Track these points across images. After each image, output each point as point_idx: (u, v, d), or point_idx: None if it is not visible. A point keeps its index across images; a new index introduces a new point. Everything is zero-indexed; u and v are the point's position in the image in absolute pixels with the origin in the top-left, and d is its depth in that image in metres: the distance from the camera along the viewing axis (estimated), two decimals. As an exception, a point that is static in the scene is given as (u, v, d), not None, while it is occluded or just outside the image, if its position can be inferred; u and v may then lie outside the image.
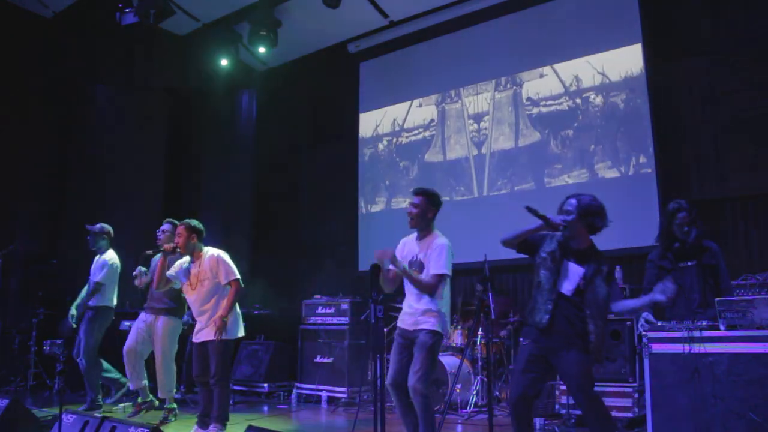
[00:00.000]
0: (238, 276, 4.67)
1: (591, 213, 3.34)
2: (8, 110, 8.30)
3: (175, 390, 5.62)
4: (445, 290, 3.92)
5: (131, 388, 5.66)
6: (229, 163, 9.58)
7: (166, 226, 5.65)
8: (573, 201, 3.39)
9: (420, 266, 3.90)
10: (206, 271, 4.64)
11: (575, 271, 3.36)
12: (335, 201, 8.94)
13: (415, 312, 3.89)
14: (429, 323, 3.82)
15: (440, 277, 3.82)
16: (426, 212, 3.94)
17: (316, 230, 9.05)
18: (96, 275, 5.95)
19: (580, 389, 3.29)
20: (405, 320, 3.96)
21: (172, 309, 5.51)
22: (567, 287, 3.36)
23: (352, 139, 8.90)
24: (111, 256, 6.08)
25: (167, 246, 4.73)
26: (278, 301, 8.78)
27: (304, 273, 8.97)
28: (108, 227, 6.19)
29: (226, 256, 4.72)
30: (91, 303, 5.95)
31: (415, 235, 4.03)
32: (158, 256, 5.52)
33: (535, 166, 7.22)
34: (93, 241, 6.09)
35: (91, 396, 5.81)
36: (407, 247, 4.04)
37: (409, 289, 3.97)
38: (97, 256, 6.10)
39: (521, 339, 3.65)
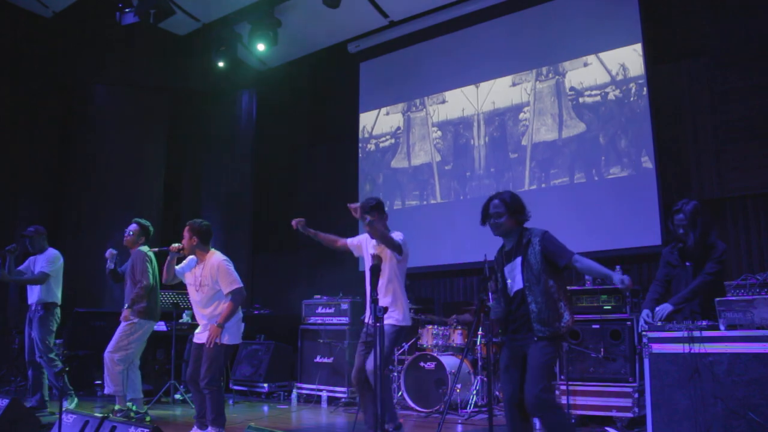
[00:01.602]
0: (241, 284, 4.58)
1: (518, 208, 3.49)
2: (8, 110, 8.31)
3: (123, 390, 5.27)
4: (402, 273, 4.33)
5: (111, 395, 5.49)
6: (229, 163, 9.59)
7: (132, 226, 5.61)
8: (497, 201, 3.50)
9: (377, 259, 4.18)
10: (207, 277, 4.57)
11: (515, 269, 3.46)
12: (335, 201, 8.94)
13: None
14: (392, 318, 4.15)
15: (399, 244, 4.20)
16: (374, 222, 4.28)
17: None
18: (43, 266, 5.86)
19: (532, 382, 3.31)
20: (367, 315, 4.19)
21: (137, 310, 5.38)
22: (516, 284, 3.45)
23: (352, 139, 8.90)
24: (56, 251, 6.02)
25: (173, 247, 4.68)
26: (278, 301, 8.79)
27: (304, 273, 8.97)
28: (42, 227, 6.13)
29: (227, 265, 4.60)
30: (38, 299, 5.84)
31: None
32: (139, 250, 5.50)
33: (539, 166, 7.22)
34: (32, 244, 5.99)
35: (52, 393, 5.76)
36: (370, 242, 4.44)
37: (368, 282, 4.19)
38: (36, 256, 6.02)
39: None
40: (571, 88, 7.05)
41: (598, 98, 6.86)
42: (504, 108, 7.53)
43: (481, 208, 3.57)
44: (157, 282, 5.51)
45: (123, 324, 5.36)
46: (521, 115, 7.39)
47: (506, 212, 3.47)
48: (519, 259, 3.43)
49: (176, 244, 4.67)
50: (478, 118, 7.74)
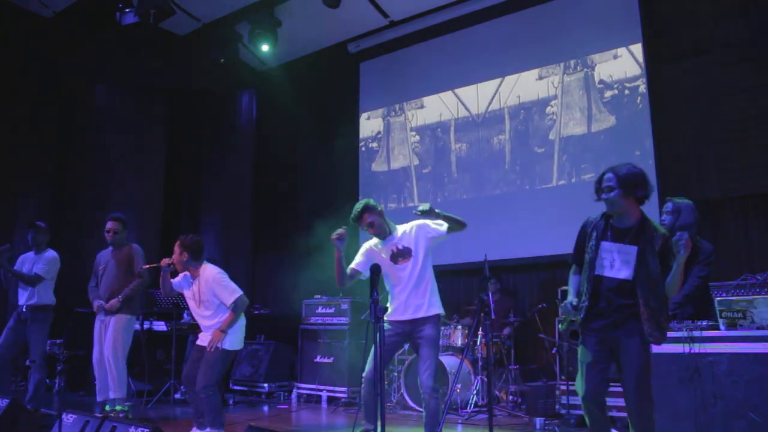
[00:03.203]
0: (240, 292, 4.56)
1: (634, 183, 3.07)
2: (8, 110, 8.30)
3: (126, 392, 5.37)
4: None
5: (98, 400, 5.44)
6: (229, 163, 9.59)
7: (113, 225, 5.52)
8: (611, 175, 3.12)
9: (408, 252, 3.95)
10: (205, 292, 4.53)
11: (625, 251, 3.08)
12: (335, 201, 8.94)
13: (418, 302, 3.94)
14: (436, 307, 3.96)
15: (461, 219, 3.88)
16: (381, 221, 3.99)
17: (316, 230, 9.04)
18: (40, 269, 5.76)
19: (634, 386, 3.02)
20: (405, 312, 3.95)
21: (122, 307, 5.38)
22: (616, 270, 3.09)
23: (352, 139, 8.90)
24: (55, 254, 5.93)
25: (163, 262, 4.62)
26: (278, 301, 8.78)
27: (304, 273, 8.96)
28: (49, 227, 6.05)
29: (222, 276, 4.56)
30: (36, 302, 5.74)
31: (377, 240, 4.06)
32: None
33: (533, 167, 7.22)
34: (36, 239, 5.86)
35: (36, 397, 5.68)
36: (378, 247, 4.05)
37: (400, 280, 3.95)
38: (32, 252, 5.91)
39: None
40: (569, 89, 7.04)
41: (598, 99, 6.86)
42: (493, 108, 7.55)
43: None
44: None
45: (113, 323, 5.33)
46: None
47: (618, 186, 3.07)
48: (635, 249, 3.05)
49: (167, 259, 4.59)
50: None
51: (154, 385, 6.99)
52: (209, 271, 4.59)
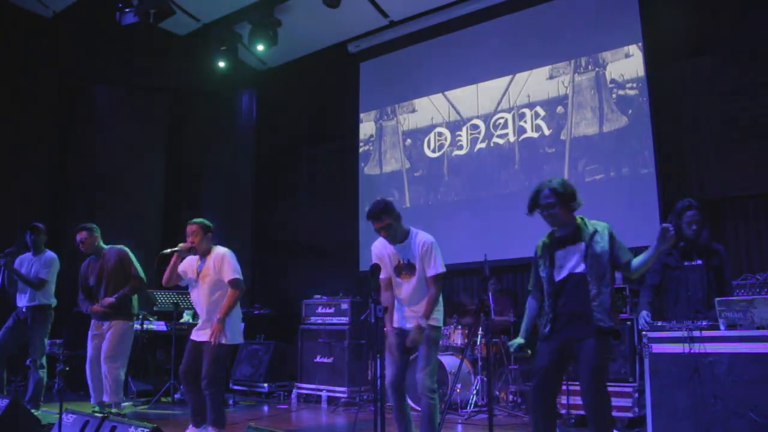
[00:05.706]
0: (240, 276, 4.59)
1: (570, 196, 3.28)
2: (8, 110, 8.30)
3: (123, 396, 5.38)
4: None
5: (92, 402, 5.43)
6: (229, 163, 9.59)
7: (82, 235, 5.48)
8: (547, 191, 3.30)
9: (411, 269, 3.93)
10: (210, 268, 4.58)
11: (571, 255, 3.28)
12: (335, 201, 8.94)
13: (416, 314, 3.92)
14: (432, 319, 3.90)
15: (438, 278, 3.89)
16: (393, 224, 3.99)
17: (316, 230, 9.05)
18: (42, 272, 5.79)
19: (589, 380, 3.12)
20: (405, 320, 3.97)
21: (119, 313, 5.40)
22: (570, 272, 3.26)
23: (352, 139, 8.90)
24: (54, 255, 5.95)
25: (183, 246, 4.63)
26: (278, 301, 8.78)
27: (304, 273, 8.96)
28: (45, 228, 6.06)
29: (231, 256, 4.66)
30: (38, 302, 5.76)
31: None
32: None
33: (528, 166, 7.22)
34: (35, 241, 5.87)
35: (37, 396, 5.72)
36: (387, 250, 4.04)
37: (406, 290, 3.97)
38: (29, 253, 5.92)
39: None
40: (569, 89, 7.04)
41: (609, 98, 6.84)
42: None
43: (530, 196, 3.39)
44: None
45: (110, 330, 5.33)
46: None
47: (558, 202, 3.27)
48: (582, 245, 3.25)
49: (184, 244, 4.61)
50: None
51: (154, 385, 6.99)
52: (222, 248, 4.70)
